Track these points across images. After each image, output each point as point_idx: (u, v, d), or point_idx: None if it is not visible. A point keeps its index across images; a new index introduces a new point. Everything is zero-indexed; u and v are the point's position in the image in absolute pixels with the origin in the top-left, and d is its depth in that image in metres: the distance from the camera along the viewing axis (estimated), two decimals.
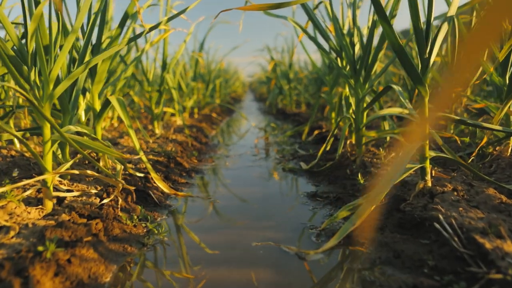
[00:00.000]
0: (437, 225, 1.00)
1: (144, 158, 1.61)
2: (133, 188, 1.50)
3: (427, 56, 1.22)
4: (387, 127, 2.11)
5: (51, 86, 1.19)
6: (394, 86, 1.59)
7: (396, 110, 1.92)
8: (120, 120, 3.96)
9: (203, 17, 2.98)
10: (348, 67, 2.04)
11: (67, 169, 1.41)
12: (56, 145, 1.45)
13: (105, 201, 1.27)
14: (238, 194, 1.66)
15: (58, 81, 1.28)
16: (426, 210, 1.17)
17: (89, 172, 1.22)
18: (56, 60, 1.20)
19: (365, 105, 1.86)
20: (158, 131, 2.87)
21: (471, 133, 2.37)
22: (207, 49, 7.14)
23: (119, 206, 1.27)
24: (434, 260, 0.91)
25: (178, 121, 3.92)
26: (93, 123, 1.79)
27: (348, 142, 2.02)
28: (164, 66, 2.81)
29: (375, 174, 1.62)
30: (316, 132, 3.03)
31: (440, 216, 1.01)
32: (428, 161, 1.29)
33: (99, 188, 1.42)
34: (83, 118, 1.87)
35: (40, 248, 0.85)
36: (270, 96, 6.06)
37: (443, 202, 1.18)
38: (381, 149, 1.96)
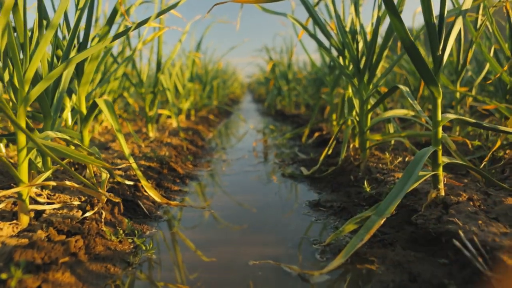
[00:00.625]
0: (456, 243, 0.89)
1: (134, 165, 1.49)
2: (120, 198, 1.39)
3: (440, 53, 1.11)
4: (391, 130, 2.00)
5: (27, 88, 1.08)
6: (401, 87, 1.48)
7: (401, 112, 1.81)
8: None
9: (199, 15, 2.87)
10: (351, 66, 1.94)
11: (46, 179, 1.30)
12: (35, 152, 1.33)
13: (87, 214, 1.16)
14: (234, 203, 1.55)
15: (36, 82, 1.16)
16: (441, 223, 1.06)
17: (68, 183, 1.10)
18: (32, 59, 1.08)
19: (369, 107, 1.76)
20: (152, 134, 2.76)
21: (478, 136, 2.26)
22: (204, 49, 7.04)
23: (102, 219, 1.16)
24: (456, 286, 0.80)
25: (174, 123, 3.81)
26: (79, 127, 1.68)
27: (351, 146, 1.91)
28: (158, 67, 2.70)
29: (382, 181, 1.51)
30: (316, 134, 2.92)
31: (461, 233, 0.90)
32: (441, 168, 1.18)
33: (83, 199, 1.30)
34: (69, 122, 1.76)
35: (4, 276, 0.74)
36: (269, 97, 5.95)
37: (459, 213, 1.07)
38: (386, 154, 1.85)
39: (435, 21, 1.09)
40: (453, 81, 2.56)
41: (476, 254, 0.84)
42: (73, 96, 1.66)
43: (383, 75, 1.67)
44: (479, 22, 1.79)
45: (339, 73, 2.66)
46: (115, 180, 1.52)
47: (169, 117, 4.04)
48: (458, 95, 2.61)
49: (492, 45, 2.12)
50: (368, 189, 1.40)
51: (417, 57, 1.07)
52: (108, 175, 1.31)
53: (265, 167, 2.17)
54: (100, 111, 2.71)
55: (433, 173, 1.16)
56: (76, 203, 1.23)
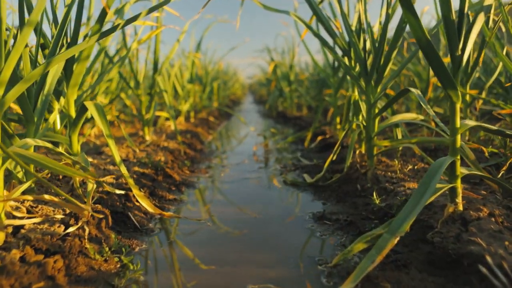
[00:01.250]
0: (482, 269, 0.78)
1: (125, 173, 1.39)
2: (109, 210, 1.28)
3: (459, 53, 1.00)
4: (400, 135, 1.89)
5: (2, 91, 0.98)
6: (413, 90, 1.38)
7: (410, 116, 1.71)
8: (111, 124, 3.75)
9: (198, 14, 2.77)
10: (357, 68, 1.83)
11: (27, 190, 1.19)
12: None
13: (70, 229, 1.05)
14: (232, 215, 1.44)
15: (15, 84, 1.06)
16: (461, 243, 0.95)
17: (46, 197, 1.00)
18: (7, 59, 0.98)
19: (376, 110, 1.65)
20: (148, 137, 2.65)
21: (490, 141, 2.15)
22: (205, 50, 6.93)
23: (86, 236, 1.05)
24: None
25: (173, 125, 3.70)
26: (68, 132, 1.58)
27: (357, 152, 1.81)
28: (155, 67, 2.60)
29: (391, 191, 1.40)
30: (319, 138, 2.81)
31: (488, 258, 0.79)
32: (459, 180, 1.07)
33: (67, 211, 1.20)
34: (58, 126, 1.66)
35: None
36: (270, 98, 5.85)
37: (481, 232, 0.96)
38: (395, 161, 1.74)
39: (454, 17, 0.99)
40: (462, 83, 2.45)
41: (508, 283, 0.73)
42: (62, 99, 1.56)
43: (392, 76, 1.57)
44: (490, 21, 1.68)
45: (344, 75, 2.55)
46: (105, 189, 1.42)
47: (167, 119, 3.93)
48: (468, 97, 2.51)
49: (504, 46, 2.01)
50: (377, 201, 1.29)
51: (434, 58, 0.96)
52: (95, 186, 1.20)
53: (266, 174, 2.06)
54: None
55: (450, 185, 1.05)
56: (59, 216, 1.13)
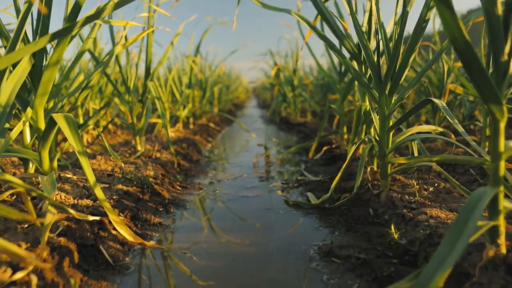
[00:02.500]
0: None
1: (100, 196, 1.19)
2: (76, 244, 1.08)
3: (506, 58, 0.79)
4: (415, 150, 1.68)
5: None
6: (436, 100, 1.17)
7: (427, 128, 1.50)
8: (107, 132, 3.56)
9: (194, 15, 2.58)
10: (368, 74, 1.62)
11: None
12: None
13: (17, 276, 0.85)
14: (223, 247, 1.23)
15: None
16: None
17: None
18: None
19: (391, 123, 1.44)
20: (140, 147, 2.45)
21: None
22: (205, 53, 6.73)
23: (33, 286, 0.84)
24: None
25: (170, 133, 3.51)
26: (38, 148, 1.38)
27: (368, 169, 1.59)
28: (147, 73, 2.40)
29: (411, 220, 1.19)
30: (325, 148, 2.60)
31: None
32: (502, 217, 0.86)
33: (24, 246, 1.00)
34: (28, 140, 1.46)
35: None
36: (273, 103, 5.64)
37: None
38: (412, 180, 1.53)
39: (500, 12, 0.78)
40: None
41: None
42: (28, 110, 1.36)
43: (410, 84, 1.36)
44: None
45: (351, 80, 2.34)
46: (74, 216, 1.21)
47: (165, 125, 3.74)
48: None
49: None
50: (395, 235, 1.08)
51: (474, 64, 0.75)
52: (53, 219, 1.00)
53: (266, 191, 1.85)
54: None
55: (492, 224, 0.84)
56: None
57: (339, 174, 1.47)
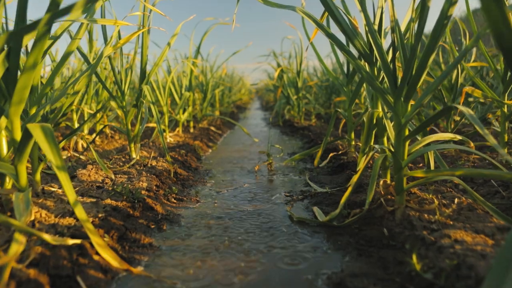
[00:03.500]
0: None
1: (81, 216, 1.06)
2: (48, 276, 0.94)
3: None
4: (432, 160, 1.53)
5: None
6: (462, 108, 1.02)
7: (446, 136, 1.35)
8: (102, 134, 3.43)
9: (193, 15, 2.45)
10: (381, 77, 1.48)
11: None
12: None
13: None
14: (219, 275, 1.09)
15: None
16: None
17: None
18: None
19: (407, 132, 1.29)
20: (135, 155, 2.32)
21: None
22: (206, 55, 6.57)
23: None
24: None
25: (168, 138, 3.37)
26: (14, 161, 1.24)
27: (381, 182, 1.44)
28: (142, 76, 2.27)
29: (433, 244, 1.04)
30: (331, 155, 2.46)
31: None
32: None
33: None
34: (4, 152, 1.32)
35: None
36: (277, 105, 5.50)
37: None
38: (430, 195, 1.38)
39: None
40: (493, 89, 2.08)
41: None
42: (2, 120, 1.22)
43: (429, 89, 1.21)
44: None
45: (359, 83, 2.19)
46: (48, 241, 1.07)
47: (163, 130, 3.60)
48: (506, 109, 2.14)
49: None
50: (417, 267, 0.93)
51: None
52: (19, 250, 0.86)
53: (268, 204, 1.71)
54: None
55: None
56: None
57: (349, 190, 1.33)
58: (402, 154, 1.28)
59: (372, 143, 1.69)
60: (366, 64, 1.50)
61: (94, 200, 1.49)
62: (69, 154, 2.69)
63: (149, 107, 2.30)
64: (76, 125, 3.05)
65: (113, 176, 1.77)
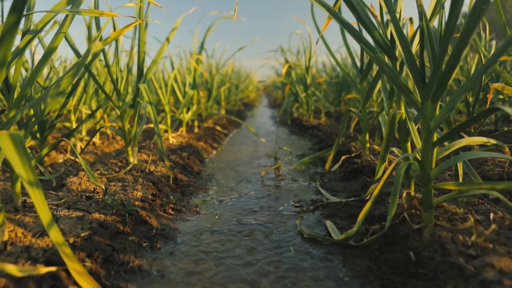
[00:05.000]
0: None
1: (56, 239, 0.90)
2: None
3: None
4: (461, 170, 1.34)
5: None
6: (508, 110, 0.84)
7: (478, 140, 1.17)
8: (103, 135, 3.27)
9: (193, 8, 2.28)
10: (403, 73, 1.29)
11: None
12: None
13: None
14: None
15: None
16: None
17: None
18: None
19: (435, 137, 1.10)
20: (132, 159, 2.16)
21: None
22: (211, 52, 6.40)
23: None
24: None
25: (171, 139, 3.22)
26: None
27: (403, 194, 1.26)
28: (140, 74, 2.10)
29: (472, 276, 0.86)
30: (343, 157, 2.27)
31: None
32: None
33: None
34: None
35: None
36: (285, 103, 5.31)
37: None
38: (461, 209, 1.20)
39: None
40: None
41: None
42: None
43: (464, 87, 1.02)
44: None
45: (374, 80, 2.00)
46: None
47: (165, 131, 3.45)
48: None
49: None
50: None
51: None
52: None
53: (275, 216, 1.54)
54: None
55: None
56: None
57: (368, 205, 1.14)
58: (430, 163, 1.09)
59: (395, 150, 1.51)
60: (386, 58, 1.31)
61: (80, 214, 1.33)
62: (65, 158, 2.55)
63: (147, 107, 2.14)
64: (74, 126, 2.91)
65: (103, 186, 1.61)
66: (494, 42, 3.51)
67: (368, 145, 2.12)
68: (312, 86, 4.84)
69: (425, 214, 1.11)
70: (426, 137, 1.06)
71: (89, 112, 2.66)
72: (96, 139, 3.22)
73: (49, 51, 1.37)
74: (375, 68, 2.49)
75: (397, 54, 1.24)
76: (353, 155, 2.32)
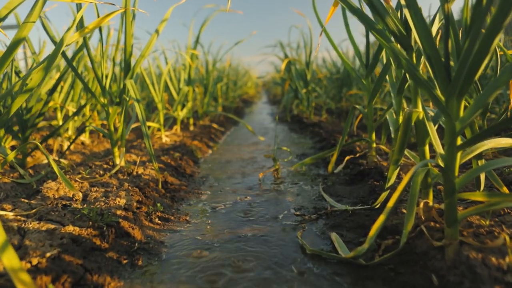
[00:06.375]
0: None
1: (11, 263, 0.75)
2: None
3: None
4: (483, 178, 1.18)
5: None
6: None
7: (506, 142, 1.01)
8: (96, 136, 3.10)
9: None
10: (420, 65, 1.13)
11: None
12: None
13: None
14: None
15: None
16: None
17: None
18: None
19: (459, 141, 0.94)
20: (119, 161, 1.99)
21: None
22: (207, 47, 6.19)
23: None
24: None
25: (164, 138, 3.05)
26: None
27: (421, 204, 1.10)
28: (126, 68, 1.94)
29: None
30: (347, 158, 2.12)
31: None
32: None
33: None
34: None
35: None
36: (284, 99, 5.14)
37: None
38: (487, 220, 1.04)
39: None
40: None
41: None
42: None
43: (498, 82, 0.86)
44: None
45: (382, 74, 1.84)
46: None
47: (158, 129, 3.29)
48: None
49: None
50: None
51: None
52: None
53: (273, 226, 1.38)
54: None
55: None
56: None
57: (382, 219, 0.98)
58: (454, 171, 0.93)
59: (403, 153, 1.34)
60: (399, 46, 1.15)
61: (52, 226, 1.17)
62: (55, 157, 2.38)
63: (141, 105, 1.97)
64: (60, 121, 2.74)
65: (80, 194, 1.45)
66: (502, 37, 3.34)
67: (374, 145, 1.96)
68: (312, 82, 4.67)
69: (448, 229, 0.95)
70: (451, 141, 0.90)
71: (75, 110, 2.50)
72: (86, 138, 3.06)
73: (15, 42, 1.20)
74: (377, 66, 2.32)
75: (413, 43, 1.08)
76: (357, 155, 2.16)
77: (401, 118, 1.84)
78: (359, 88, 4.52)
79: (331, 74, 5.35)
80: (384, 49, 1.86)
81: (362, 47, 4.22)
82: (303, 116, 4.61)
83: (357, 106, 1.95)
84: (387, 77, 1.91)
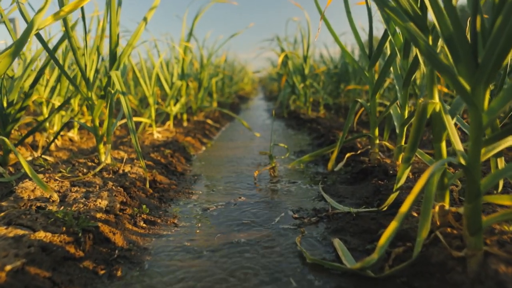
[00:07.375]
0: None
1: None
2: None
3: None
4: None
5: None
6: None
7: None
8: (86, 132, 2.96)
9: None
10: (438, 49, 1.00)
11: None
12: None
13: None
14: None
15: None
16: None
17: None
18: None
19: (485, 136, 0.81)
20: (103, 158, 1.86)
21: None
22: (202, 40, 6.01)
23: None
24: None
25: (155, 134, 2.92)
26: None
27: (436, 207, 0.98)
28: (112, 59, 1.80)
29: None
30: (348, 155, 1.99)
31: None
32: None
33: None
34: None
35: None
36: (281, 95, 5.01)
37: None
38: (510, 226, 0.92)
39: None
40: None
41: None
42: None
43: None
44: None
45: (385, 66, 1.72)
46: None
47: (150, 125, 3.15)
48: None
49: None
50: None
51: None
52: None
53: (269, 231, 1.25)
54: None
55: None
56: None
57: (393, 226, 0.85)
58: (478, 171, 0.81)
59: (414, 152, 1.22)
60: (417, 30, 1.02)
61: (21, 232, 1.04)
62: (34, 156, 2.24)
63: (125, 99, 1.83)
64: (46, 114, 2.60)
65: (55, 195, 1.32)
66: None
67: (377, 141, 1.84)
68: (310, 77, 4.54)
69: (471, 238, 0.82)
70: (476, 135, 0.78)
71: (57, 103, 2.35)
72: (74, 134, 2.92)
73: None
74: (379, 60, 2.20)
75: (428, 24, 0.95)
76: (359, 152, 2.03)
77: (406, 113, 1.72)
78: (357, 83, 4.40)
79: (328, 69, 5.22)
80: (388, 39, 1.73)
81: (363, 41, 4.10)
82: (300, 112, 4.48)
83: (360, 100, 1.83)
84: (391, 69, 1.78)
